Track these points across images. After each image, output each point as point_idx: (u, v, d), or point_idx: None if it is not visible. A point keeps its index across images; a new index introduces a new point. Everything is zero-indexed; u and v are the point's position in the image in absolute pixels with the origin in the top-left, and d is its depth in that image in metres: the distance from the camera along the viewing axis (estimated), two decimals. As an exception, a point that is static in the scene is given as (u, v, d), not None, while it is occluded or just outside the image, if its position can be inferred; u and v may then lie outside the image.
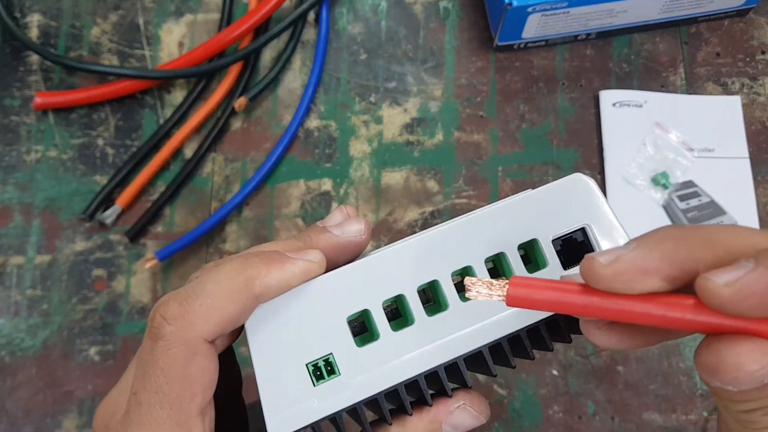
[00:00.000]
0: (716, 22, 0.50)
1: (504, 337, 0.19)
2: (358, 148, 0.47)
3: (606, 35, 0.49)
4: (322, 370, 0.19)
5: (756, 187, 0.46)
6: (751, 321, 0.15)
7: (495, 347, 0.19)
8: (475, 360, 0.20)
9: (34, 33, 0.49)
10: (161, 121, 0.47)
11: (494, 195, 0.46)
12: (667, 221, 0.45)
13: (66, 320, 0.43)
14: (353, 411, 0.19)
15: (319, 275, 0.19)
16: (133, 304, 0.43)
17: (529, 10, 0.44)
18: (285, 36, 0.49)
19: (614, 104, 0.47)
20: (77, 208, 0.45)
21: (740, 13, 0.49)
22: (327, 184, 0.46)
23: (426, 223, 0.45)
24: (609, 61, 0.49)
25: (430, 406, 0.19)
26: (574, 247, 0.20)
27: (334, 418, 0.19)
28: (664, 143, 0.46)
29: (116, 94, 0.47)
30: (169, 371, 0.17)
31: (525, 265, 0.20)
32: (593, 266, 0.16)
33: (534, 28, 0.46)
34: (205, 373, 0.18)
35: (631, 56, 0.49)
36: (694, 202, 0.45)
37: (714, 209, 0.45)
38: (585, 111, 0.48)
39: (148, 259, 0.42)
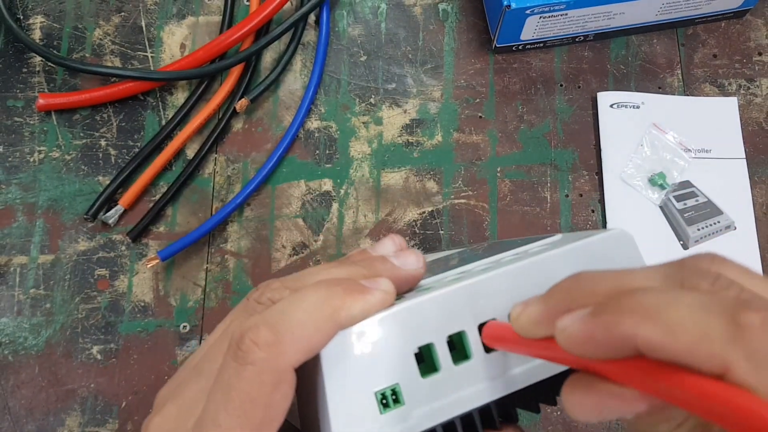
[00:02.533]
0: (713, 23, 0.50)
1: (555, 375, 0.20)
2: (358, 148, 0.47)
3: (604, 37, 0.49)
4: (389, 399, 0.19)
5: (752, 188, 0.46)
6: (594, 361, 0.16)
7: (540, 385, 0.20)
8: (522, 396, 0.20)
9: (37, 35, 0.49)
10: (163, 122, 0.47)
11: (493, 195, 0.46)
12: (664, 221, 0.45)
13: (69, 319, 0.43)
14: None
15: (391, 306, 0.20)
16: (136, 304, 0.44)
17: (528, 12, 0.44)
18: (286, 38, 0.49)
19: (612, 105, 0.47)
20: (80, 208, 0.45)
21: (737, 15, 0.50)
22: (327, 185, 0.46)
23: (426, 224, 0.46)
24: (607, 62, 0.49)
25: None
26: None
27: None
28: (662, 144, 0.47)
29: (119, 95, 0.47)
30: (255, 397, 0.18)
31: None
32: (510, 317, 0.18)
33: (532, 29, 0.46)
34: (286, 399, 0.18)
35: (628, 58, 0.49)
36: (690, 202, 0.45)
37: (711, 209, 0.45)
38: (583, 112, 0.48)
39: (150, 259, 0.43)
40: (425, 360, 0.20)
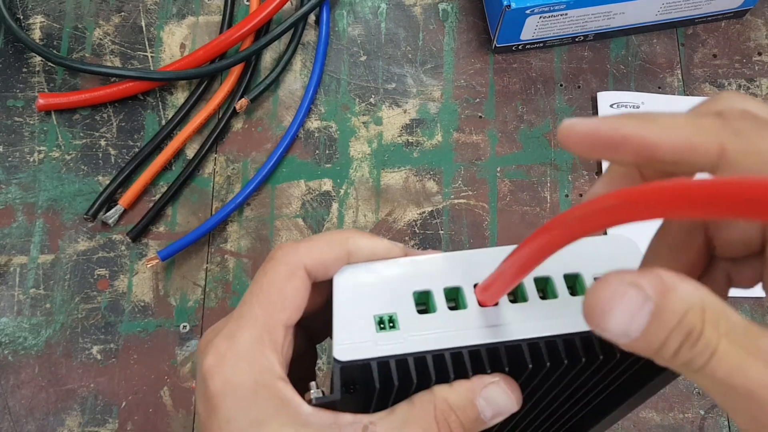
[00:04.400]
0: (713, 23, 0.50)
1: (546, 337, 0.22)
2: (358, 148, 0.47)
3: (603, 37, 0.49)
4: (386, 323, 0.22)
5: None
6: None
7: (532, 345, 0.22)
8: (515, 352, 0.22)
9: (37, 35, 0.49)
10: (163, 122, 0.47)
11: (493, 195, 0.46)
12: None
13: (69, 319, 0.43)
14: (404, 362, 0.22)
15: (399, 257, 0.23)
16: (135, 303, 0.44)
17: (528, 12, 0.44)
18: (286, 38, 0.49)
19: (612, 105, 0.47)
20: (80, 208, 0.45)
21: (737, 15, 0.50)
22: (327, 185, 0.46)
23: (425, 223, 0.46)
24: (606, 62, 0.49)
25: (469, 377, 0.22)
26: None
27: (386, 361, 0.22)
28: (662, 144, 0.47)
29: (118, 95, 0.47)
30: (272, 281, 0.22)
31: (570, 292, 0.23)
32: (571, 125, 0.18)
33: (532, 29, 0.46)
34: (297, 294, 0.22)
35: (628, 58, 0.49)
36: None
37: (711, 209, 0.45)
38: (583, 112, 0.48)
39: (150, 259, 0.43)
40: (424, 306, 0.23)
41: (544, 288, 0.23)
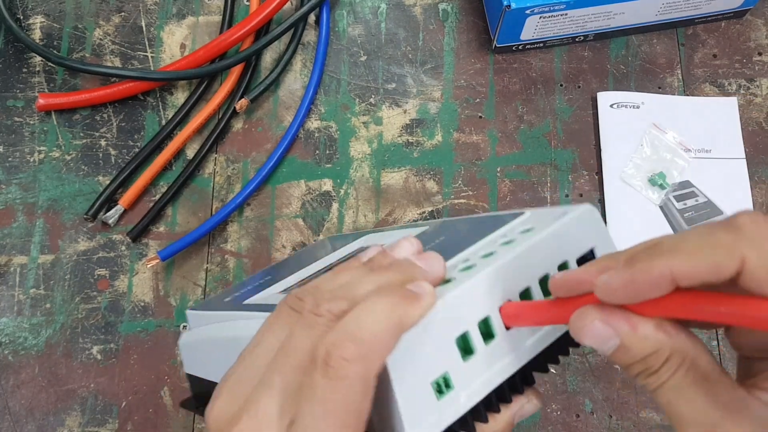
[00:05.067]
0: (713, 23, 0.50)
1: (559, 337, 0.24)
2: (358, 148, 0.47)
3: (603, 37, 0.49)
4: (442, 386, 0.22)
5: (752, 188, 0.46)
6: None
7: (546, 351, 0.24)
8: (538, 361, 0.24)
9: (37, 35, 0.49)
10: (163, 122, 0.47)
11: (493, 195, 0.46)
12: (664, 221, 0.45)
13: (69, 319, 0.43)
14: (463, 418, 0.22)
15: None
16: (136, 304, 0.44)
17: (528, 12, 0.44)
18: (286, 38, 0.49)
19: (612, 105, 0.47)
20: (80, 208, 0.45)
21: (737, 15, 0.50)
22: (327, 185, 0.46)
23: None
24: (606, 62, 0.49)
25: (510, 402, 0.24)
26: (586, 261, 0.25)
27: (452, 427, 0.22)
28: (662, 144, 0.47)
29: (119, 95, 0.47)
30: (351, 407, 0.20)
31: None
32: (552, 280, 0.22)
33: (532, 29, 0.46)
34: (370, 401, 0.20)
35: (628, 58, 0.49)
36: (690, 202, 0.45)
37: (711, 209, 0.45)
38: (583, 112, 0.48)
39: (150, 259, 0.43)
40: (462, 346, 0.23)
41: (545, 282, 0.24)
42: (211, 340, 0.23)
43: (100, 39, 0.49)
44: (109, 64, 0.49)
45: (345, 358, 0.19)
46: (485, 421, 0.23)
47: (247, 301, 0.30)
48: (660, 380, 0.19)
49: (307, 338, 0.21)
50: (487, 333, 0.23)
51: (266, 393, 0.21)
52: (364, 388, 0.20)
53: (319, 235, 0.45)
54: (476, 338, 0.22)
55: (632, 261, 0.18)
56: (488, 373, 0.23)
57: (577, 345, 0.23)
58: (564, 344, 0.24)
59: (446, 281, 0.23)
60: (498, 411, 0.23)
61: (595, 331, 0.19)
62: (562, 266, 0.25)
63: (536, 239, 0.24)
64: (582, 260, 0.25)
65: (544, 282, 0.24)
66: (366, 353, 0.20)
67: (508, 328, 0.23)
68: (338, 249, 0.35)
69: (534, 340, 0.24)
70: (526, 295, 0.24)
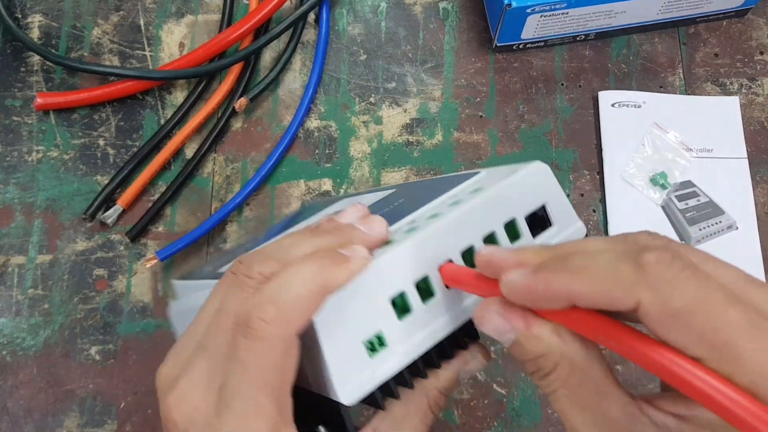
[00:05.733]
0: (715, 22, 0.50)
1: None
2: (358, 148, 0.47)
3: (605, 36, 0.49)
4: (376, 345, 0.22)
5: (754, 187, 0.46)
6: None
7: None
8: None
9: (35, 33, 0.49)
10: (162, 122, 0.47)
11: (493, 195, 0.46)
12: (665, 221, 0.45)
13: (67, 320, 0.43)
14: (399, 374, 0.23)
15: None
16: (134, 304, 0.43)
17: (529, 11, 0.44)
18: (285, 37, 0.49)
19: (613, 105, 0.47)
20: (78, 208, 0.45)
21: (739, 14, 0.49)
22: (327, 185, 0.46)
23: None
24: (608, 61, 0.49)
25: (452, 359, 0.24)
26: (537, 220, 0.25)
27: (387, 383, 0.22)
28: (663, 143, 0.46)
29: (117, 94, 0.47)
30: (270, 366, 0.20)
31: (510, 239, 0.25)
32: (478, 258, 0.22)
33: (533, 28, 0.46)
34: (295, 361, 0.21)
35: (629, 57, 0.49)
36: (692, 202, 0.45)
37: (712, 209, 0.45)
38: (584, 111, 0.48)
39: (149, 259, 0.43)
40: (399, 304, 0.23)
41: (490, 241, 0.25)
42: (196, 308, 0.23)
43: (99, 38, 0.49)
44: (108, 63, 0.49)
45: (263, 319, 0.20)
46: (425, 376, 0.24)
47: (222, 269, 0.30)
48: (551, 386, 0.20)
49: (237, 300, 0.21)
50: (427, 291, 0.23)
51: (201, 356, 0.21)
52: (284, 348, 0.20)
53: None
54: (413, 298, 0.23)
55: (540, 269, 0.19)
56: (426, 331, 0.23)
57: None
58: None
59: (388, 243, 0.24)
60: (438, 367, 0.24)
61: (494, 322, 0.20)
62: (509, 224, 0.25)
63: (481, 199, 0.24)
64: (532, 217, 0.25)
65: (489, 240, 0.25)
66: (285, 315, 0.20)
67: (448, 287, 0.23)
68: (318, 214, 0.35)
69: (475, 298, 0.24)
70: (469, 253, 0.24)
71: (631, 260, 0.17)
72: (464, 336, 0.24)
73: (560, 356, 0.19)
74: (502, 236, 0.25)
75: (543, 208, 0.25)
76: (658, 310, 0.17)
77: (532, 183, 0.25)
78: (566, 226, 0.26)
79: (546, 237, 0.25)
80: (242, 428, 0.20)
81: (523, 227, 0.25)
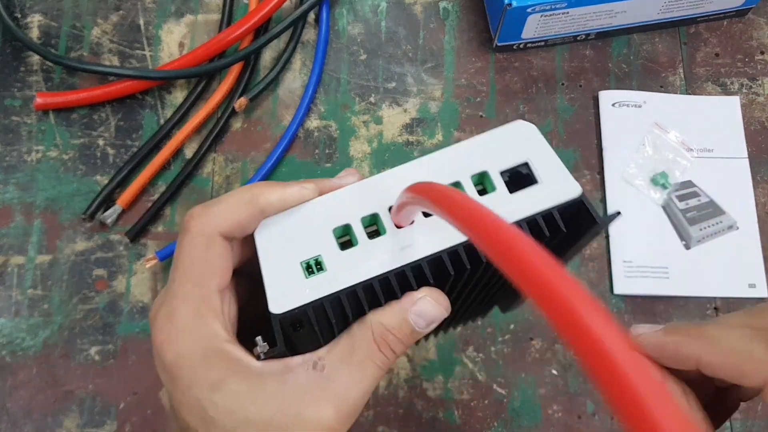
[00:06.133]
0: (715, 22, 0.50)
1: (458, 245, 0.23)
2: (358, 148, 0.47)
3: (605, 35, 0.49)
4: (313, 267, 0.23)
5: (755, 187, 0.46)
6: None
7: (452, 253, 0.23)
8: (436, 264, 0.23)
9: (34, 33, 0.49)
10: (162, 122, 0.47)
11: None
12: (666, 221, 0.45)
13: (67, 320, 0.43)
14: (337, 299, 0.23)
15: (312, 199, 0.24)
16: (134, 304, 0.43)
17: (529, 10, 0.44)
18: (285, 36, 0.49)
19: (613, 104, 0.47)
20: (78, 208, 0.45)
21: (739, 14, 0.49)
22: (327, 184, 0.46)
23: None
24: (608, 61, 0.49)
25: (399, 297, 0.24)
26: (521, 177, 0.25)
27: (321, 303, 0.23)
28: (664, 143, 0.46)
29: (117, 94, 0.47)
30: (193, 255, 0.23)
31: (480, 194, 0.24)
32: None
33: (533, 28, 0.46)
34: (221, 259, 0.23)
35: (630, 56, 0.49)
36: (693, 202, 0.45)
37: (713, 209, 0.45)
38: (584, 111, 0.48)
39: (149, 259, 0.42)
40: (346, 237, 0.24)
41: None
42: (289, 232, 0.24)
43: (98, 38, 0.49)
44: (107, 62, 0.48)
45: (191, 215, 0.23)
46: (363, 308, 0.23)
47: None
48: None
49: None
50: (376, 232, 0.24)
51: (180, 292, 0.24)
52: (206, 241, 0.23)
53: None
54: (359, 232, 0.24)
55: (673, 331, 0.20)
56: (367, 264, 0.23)
57: (474, 265, 0.23)
58: (458, 259, 0.24)
59: None
60: (381, 303, 0.23)
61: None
62: (480, 176, 0.24)
63: (449, 149, 0.25)
64: (511, 173, 0.24)
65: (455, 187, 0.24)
66: (208, 214, 0.23)
67: (399, 228, 0.24)
68: None
69: (425, 243, 0.23)
70: None
71: (765, 339, 0.18)
72: (419, 283, 0.24)
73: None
74: (468, 186, 0.24)
75: (526, 166, 0.24)
76: None
77: (513, 140, 0.25)
78: (555, 183, 0.24)
79: (528, 194, 0.24)
80: (172, 309, 0.22)
81: (497, 181, 0.24)
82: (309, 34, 0.50)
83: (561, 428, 0.41)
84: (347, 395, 0.22)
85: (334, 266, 0.23)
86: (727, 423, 0.41)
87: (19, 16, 0.49)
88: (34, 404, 0.41)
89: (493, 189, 0.24)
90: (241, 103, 0.46)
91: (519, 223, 0.23)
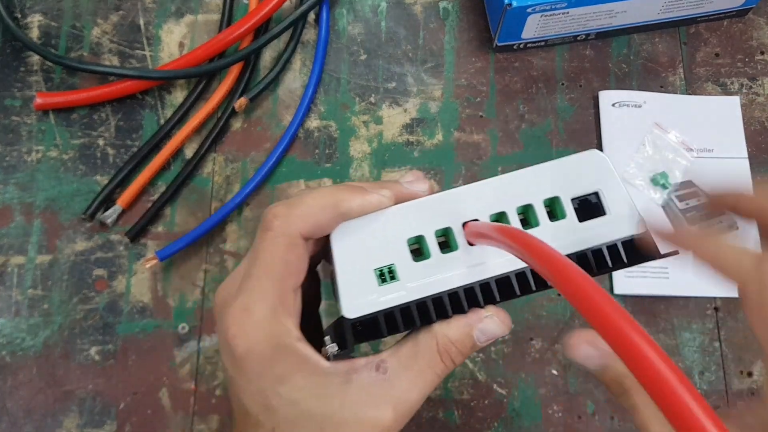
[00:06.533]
0: (715, 22, 0.50)
1: (526, 267, 0.24)
2: (358, 148, 0.47)
3: (605, 35, 0.49)
4: (386, 275, 0.24)
5: (755, 187, 0.46)
6: None
7: (520, 275, 0.24)
8: (504, 283, 0.24)
9: (34, 33, 0.49)
10: (162, 122, 0.47)
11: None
12: (665, 221, 0.45)
13: (67, 320, 0.43)
14: (407, 309, 0.24)
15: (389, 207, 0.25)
16: (134, 304, 0.43)
17: (529, 10, 0.44)
18: (285, 36, 0.49)
19: (613, 104, 0.47)
20: (78, 208, 0.45)
21: (739, 14, 0.49)
22: (327, 184, 0.46)
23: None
24: (608, 61, 0.49)
25: (465, 311, 0.24)
26: (589, 206, 0.25)
27: (391, 312, 0.24)
28: (663, 143, 0.46)
29: (117, 94, 0.47)
30: (274, 254, 0.23)
31: (550, 217, 0.25)
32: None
33: (533, 28, 0.46)
34: (300, 261, 0.24)
35: (630, 56, 0.49)
36: (693, 202, 0.45)
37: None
38: (584, 111, 0.48)
39: (149, 259, 0.42)
40: (418, 252, 0.25)
41: (526, 213, 0.25)
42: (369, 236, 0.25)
43: (98, 38, 0.49)
44: (107, 62, 0.48)
45: (275, 214, 0.24)
46: (431, 318, 0.24)
47: None
48: (632, 401, 0.24)
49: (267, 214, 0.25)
50: (448, 245, 0.25)
51: (243, 262, 0.25)
52: (287, 242, 0.23)
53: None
54: (432, 244, 0.24)
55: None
56: (439, 277, 0.24)
57: (541, 288, 0.24)
58: (525, 281, 0.25)
59: None
60: (448, 316, 0.24)
61: (585, 351, 0.24)
62: (551, 201, 0.25)
63: (524, 171, 0.25)
64: (584, 201, 0.25)
65: (525, 211, 0.25)
66: (291, 214, 0.23)
67: (471, 245, 0.24)
68: None
69: (495, 264, 0.24)
70: (499, 219, 0.25)
71: (756, 258, 0.22)
72: (486, 299, 0.25)
73: (632, 380, 0.23)
74: (541, 211, 0.25)
75: (596, 195, 0.25)
76: (756, 300, 0.21)
77: (585, 168, 0.25)
78: (622, 217, 0.25)
79: (596, 224, 0.25)
80: (248, 304, 0.23)
81: (568, 208, 0.25)
82: (309, 34, 0.50)
83: (561, 428, 0.41)
84: (406, 399, 0.23)
85: (407, 276, 0.24)
86: (727, 423, 0.41)
87: (19, 16, 0.49)
88: (34, 404, 0.41)
89: (563, 216, 0.25)
90: (241, 103, 0.46)
91: (585, 253, 0.24)
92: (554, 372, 0.42)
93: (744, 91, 0.48)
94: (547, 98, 0.48)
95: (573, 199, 0.25)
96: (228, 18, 0.49)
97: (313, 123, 0.47)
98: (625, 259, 0.24)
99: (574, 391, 0.42)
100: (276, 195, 0.46)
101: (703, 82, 0.48)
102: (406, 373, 0.24)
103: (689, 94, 0.48)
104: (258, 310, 0.23)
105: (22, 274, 0.44)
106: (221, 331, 0.24)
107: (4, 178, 0.46)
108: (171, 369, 0.42)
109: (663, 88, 0.48)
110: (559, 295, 0.44)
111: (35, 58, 0.48)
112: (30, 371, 0.42)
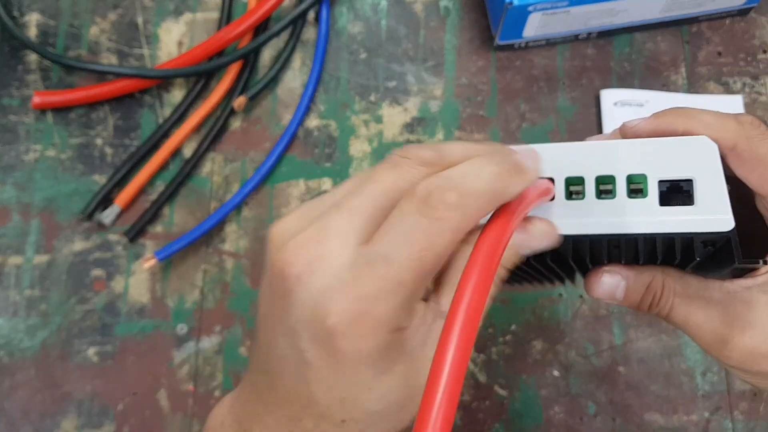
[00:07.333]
0: (718, 21, 0.50)
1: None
2: (358, 147, 0.47)
3: (607, 34, 0.49)
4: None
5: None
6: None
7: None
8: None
9: (32, 32, 0.49)
10: (160, 121, 0.47)
11: (495, 195, 0.46)
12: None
13: (65, 321, 0.43)
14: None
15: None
16: (132, 305, 0.43)
17: (530, 9, 0.44)
18: (285, 35, 0.49)
19: (615, 103, 0.47)
20: (76, 207, 0.45)
21: (742, 13, 0.49)
22: (327, 184, 0.46)
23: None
24: (610, 60, 0.49)
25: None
26: (679, 192, 0.23)
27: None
28: (666, 143, 0.46)
29: (115, 93, 0.46)
30: (433, 247, 0.19)
31: (629, 192, 0.23)
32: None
33: (535, 27, 0.46)
34: (448, 256, 0.21)
35: (632, 55, 0.49)
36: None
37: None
38: (586, 110, 0.47)
39: (147, 259, 0.42)
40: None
41: (608, 183, 0.24)
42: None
43: (97, 36, 0.49)
44: (106, 61, 0.48)
45: (446, 202, 0.19)
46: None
47: None
48: (668, 303, 0.24)
49: (391, 174, 0.21)
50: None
51: (341, 213, 0.20)
52: (453, 237, 0.20)
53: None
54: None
55: (660, 114, 0.24)
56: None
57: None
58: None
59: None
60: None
61: (606, 281, 0.25)
62: (636, 179, 0.23)
63: (639, 141, 0.24)
64: (674, 184, 0.23)
65: (603, 180, 0.23)
66: (465, 205, 0.20)
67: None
68: None
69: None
70: (574, 181, 0.24)
71: (733, 118, 0.23)
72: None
73: (662, 273, 0.24)
74: (621, 184, 0.23)
75: (689, 183, 0.22)
76: (747, 153, 0.23)
77: (689, 153, 0.23)
78: (709, 211, 0.22)
79: (677, 212, 0.22)
80: (376, 287, 0.19)
81: (652, 189, 0.23)
82: (309, 32, 0.49)
83: (562, 429, 0.41)
84: None
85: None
86: (729, 423, 0.41)
87: (17, 14, 0.49)
88: (32, 405, 0.41)
89: (645, 194, 0.23)
90: (240, 102, 0.46)
91: (653, 236, 0.22)
92: (555, 373, 0.42)
93: (746, 90, 0.48)
94: (548, 97, 0.48)
95: (661, 182, 0.23)
96: (227, 16, 0.49)
97: (312, 122, 0.47)
98: (697, 256, 0.22)
99: (575, 392, 0.42)
100: (275, 195, 0.46)
101: (706, 81, 0.48)
102: None
103: (692, 93, 0.48)
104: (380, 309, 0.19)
105: (19, 274, 0.43)
106: (310, 303, 0.19)
107: (1, 177, 0.45)
108: (169, 370, 0.42)
109: (665, 87, 0.48)
110: (560, 295, 0.43)
111: (33, 56, 0.48)
112: (28, 372, 0.42)
